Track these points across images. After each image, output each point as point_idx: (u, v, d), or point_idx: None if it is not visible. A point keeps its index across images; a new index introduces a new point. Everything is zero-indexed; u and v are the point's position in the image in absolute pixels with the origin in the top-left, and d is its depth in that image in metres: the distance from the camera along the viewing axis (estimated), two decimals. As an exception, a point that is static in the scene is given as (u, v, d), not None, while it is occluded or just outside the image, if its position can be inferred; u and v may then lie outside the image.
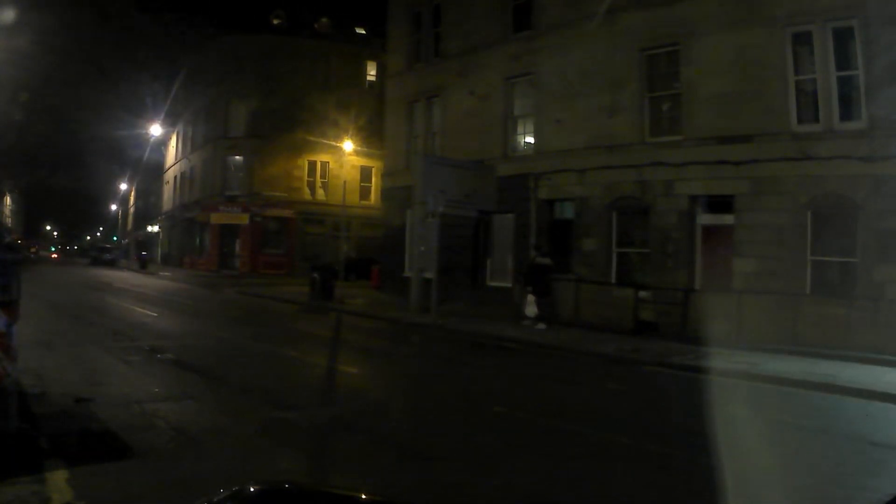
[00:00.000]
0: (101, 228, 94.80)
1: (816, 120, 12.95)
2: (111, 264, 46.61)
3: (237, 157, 36.97)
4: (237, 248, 36.74)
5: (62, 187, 68.12)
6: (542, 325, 14.16)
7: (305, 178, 36.76)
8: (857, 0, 12.25)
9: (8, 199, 72.01)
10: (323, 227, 35.96)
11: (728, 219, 14.05)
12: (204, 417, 6.67)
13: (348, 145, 30.93)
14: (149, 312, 16.25)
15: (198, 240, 40.05)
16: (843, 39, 12.61)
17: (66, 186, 67.39)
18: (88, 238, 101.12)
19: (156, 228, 55.08)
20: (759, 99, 13.46)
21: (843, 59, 12.61)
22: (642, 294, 14.24)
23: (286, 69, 35.06)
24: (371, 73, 37.89)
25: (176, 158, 47.29)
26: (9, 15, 20.65)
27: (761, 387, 8.96)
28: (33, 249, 68.36)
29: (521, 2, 18.93)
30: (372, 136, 31.87)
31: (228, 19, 36.96)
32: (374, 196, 35.45)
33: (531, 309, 14.48)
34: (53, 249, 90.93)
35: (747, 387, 8.84)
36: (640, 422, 7.15)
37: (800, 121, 13.16)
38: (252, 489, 1.88)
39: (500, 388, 8.94)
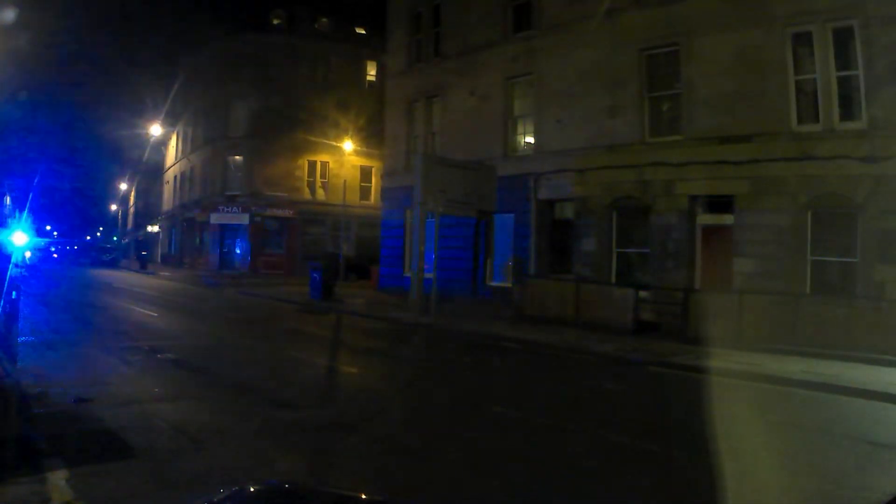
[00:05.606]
0: (101, 228, 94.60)
1: (816, 120, 12.96)
2: (111, 264, 46.56)
3: (237, 157, 36.94)
4: (237, 248, 36.76)
5: (62, 187, 68.01)
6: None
7: (305, 178, 36.74)
8: (856, 0, 12.26)
9: (8, 199, 72.01)
10: (323, 227, 35.98)
11: (728, 219, 14.05)
12: (204, 417, 6.67)
13: (348, 145, 30.93)
14: (149, 312, 16.25)
15: (198, 240, 40.03)
16: (843, 39, 12.61)
17: (66, 186, 67.29)
18: (88, 238, 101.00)
19: (156, 228, 55.03)
20: (759, 99, 13.46)
21: (843, 59, 12.62)
22: (642, 294, 14.23)
23: (286, 69, 35.04)
24: (371, 73, 37.86)
25: (176, 158, 47.24)
26: (9, 15, 20.64)
27: (761, 387, 8.95)
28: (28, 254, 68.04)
29: (521, 2, 18.94)
30: (372, 136, 31.86)
31: (228, 19, 37.00)
32: (374, 196, 35.45)
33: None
34: (53, 249, 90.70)
35: (747, 387, 8.83)
36: (640, 422, 7.15)
37: (800, 121, 13.17)
38: (252, 489, 1.88)
39: (500, 388, 8.94)
